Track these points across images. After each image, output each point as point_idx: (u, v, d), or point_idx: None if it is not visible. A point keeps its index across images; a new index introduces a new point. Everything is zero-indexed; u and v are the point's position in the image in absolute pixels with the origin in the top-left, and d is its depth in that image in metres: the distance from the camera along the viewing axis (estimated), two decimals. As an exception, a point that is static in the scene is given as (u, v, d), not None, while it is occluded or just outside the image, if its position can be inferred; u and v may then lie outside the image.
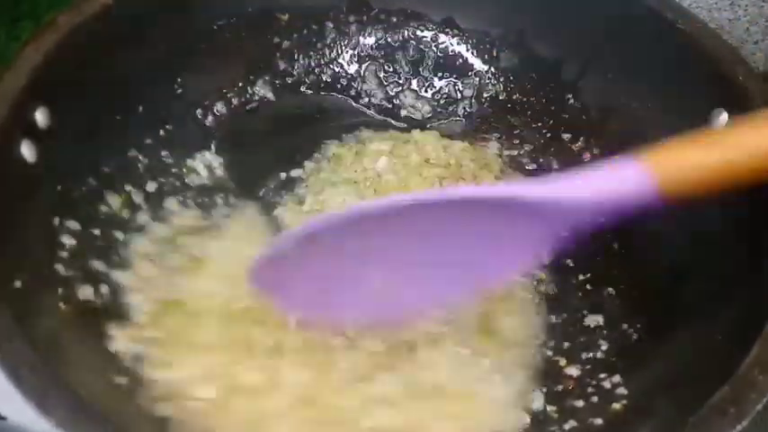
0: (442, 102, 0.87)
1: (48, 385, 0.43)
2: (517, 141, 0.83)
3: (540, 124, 0.84)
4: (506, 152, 0.83)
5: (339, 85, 0.87)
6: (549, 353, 0.65)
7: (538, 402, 0.61)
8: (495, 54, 0.86)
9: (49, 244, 0.56)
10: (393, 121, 0.86)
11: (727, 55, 0.65)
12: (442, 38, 0.88)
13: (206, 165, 0.76)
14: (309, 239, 0.53)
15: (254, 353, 0.59)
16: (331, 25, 0.86)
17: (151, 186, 0.71)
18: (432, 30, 0.87)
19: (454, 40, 0.87)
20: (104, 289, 0.60)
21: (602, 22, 0.76)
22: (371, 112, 0.86)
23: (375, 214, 0.52)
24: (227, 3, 0.78)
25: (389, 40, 0.87)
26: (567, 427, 0.57)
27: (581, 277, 0.71)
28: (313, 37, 0.85)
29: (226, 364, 0.58)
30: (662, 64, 0.71)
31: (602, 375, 0.62)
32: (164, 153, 0.73)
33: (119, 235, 0.65)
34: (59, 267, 0.56)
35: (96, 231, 0.62)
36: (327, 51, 0.87)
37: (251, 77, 0.82)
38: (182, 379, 0.56)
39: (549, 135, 0.83)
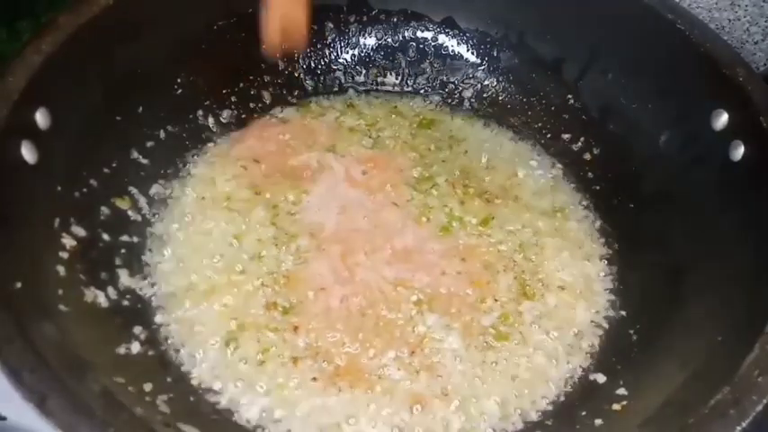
0: (442, 102, 0.87)
1: (48, 387, 0.43)
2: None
3: (540, 124, 0.84)
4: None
5: (339, 86, 0.87)
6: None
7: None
8: (495, 54, 0.86)
9: (49, 245, 0.56)
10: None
11: (727, 55, 0.65)
12: (442, 38, 0.88)
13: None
14: None
15: None
16: (331, 25, 0.86)
17: (155, 189, 0.71)
18: (432, 30, 0.87)
19: (454, 41, 0.87)
20: (111, 292, 0.60)
21: (602, 23, 0.76)
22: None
23: None
24: (227, 3, 0.78)
25: (390, 40, 0.87)
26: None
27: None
28: (313, 37, 0.85)
29: None
30: (662, 64, 0.71)
31: (602, 375, 0.62)
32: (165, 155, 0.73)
33: (124, 237, 0.65)
34: (60, 269, 0.56)
35: (99, 233, 0.62)
36: (327, 51, 0.87)
37: (251, 78, 0.82)
38: None
39: (549, 135, 0.83)
